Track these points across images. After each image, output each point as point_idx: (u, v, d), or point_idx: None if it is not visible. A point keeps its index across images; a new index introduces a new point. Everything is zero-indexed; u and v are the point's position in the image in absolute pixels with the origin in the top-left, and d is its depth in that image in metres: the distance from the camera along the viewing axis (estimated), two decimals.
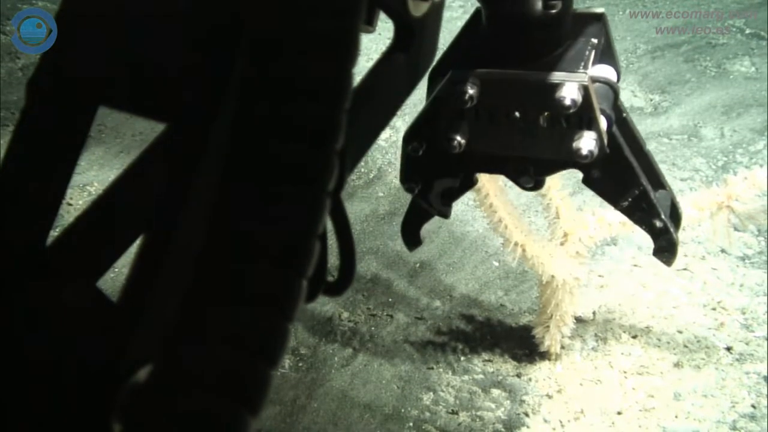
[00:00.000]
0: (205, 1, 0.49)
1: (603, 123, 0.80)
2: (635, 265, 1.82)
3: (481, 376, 1.57)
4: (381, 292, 1.80)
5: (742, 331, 1.66)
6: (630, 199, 0.87)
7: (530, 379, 1.56)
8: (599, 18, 0.86)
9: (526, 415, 1.49)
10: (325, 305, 1.74)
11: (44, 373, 0.46)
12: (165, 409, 0.38)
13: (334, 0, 0.40)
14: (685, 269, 1.81)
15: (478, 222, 1.97)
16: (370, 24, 0.57)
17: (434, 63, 0.83)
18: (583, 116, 0.78)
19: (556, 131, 0.80)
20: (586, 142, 0.79)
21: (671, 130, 2.40)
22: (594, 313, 1.70)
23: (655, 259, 1.03)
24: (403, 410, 1.51)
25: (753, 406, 1.50)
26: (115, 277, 0.51)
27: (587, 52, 0.81)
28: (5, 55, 2.83)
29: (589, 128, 0.79)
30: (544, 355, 1.58)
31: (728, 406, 1.50)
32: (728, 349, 1.62)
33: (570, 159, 0.81)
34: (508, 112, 0.81)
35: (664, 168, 2.22)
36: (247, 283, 0.38)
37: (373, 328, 1.70)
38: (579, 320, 1.59)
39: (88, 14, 0.51)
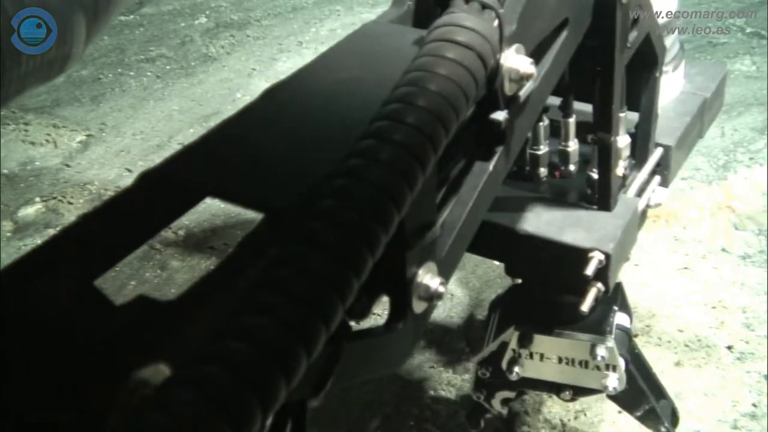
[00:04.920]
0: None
1: (622, 365, 1.13)
2: (636, 264, 1.82)
3: None
4: None
5: (743, 329, 1.66)
6: (642, 411, 1.22)
7: None
8: (618, 287, 1.18)
9: (527, 414, 1.49)
10: None
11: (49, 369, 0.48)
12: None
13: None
14: (686, 268, 1.81)
15: None
16: (370, 303, 0.66)
17: (497, 295, 1.25)
18: (609, 364, 1.12)
19: (589, 371, 1.14)
20: (611, 381, 1.13)
21: None
22: None
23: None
24: (404, 409, 1.51)
25: (754, 405, 1.50)
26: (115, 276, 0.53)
27: (611, 318, 1.14)
28: None
29: (614, 371, 1.13)
30: None
31: (729, 405, 1.50)
32: (729, 348, 1.62)
33: (599, 390, 1.15)
34: (553, 357, 1.15)
35: None
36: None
37: None
38: None
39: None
